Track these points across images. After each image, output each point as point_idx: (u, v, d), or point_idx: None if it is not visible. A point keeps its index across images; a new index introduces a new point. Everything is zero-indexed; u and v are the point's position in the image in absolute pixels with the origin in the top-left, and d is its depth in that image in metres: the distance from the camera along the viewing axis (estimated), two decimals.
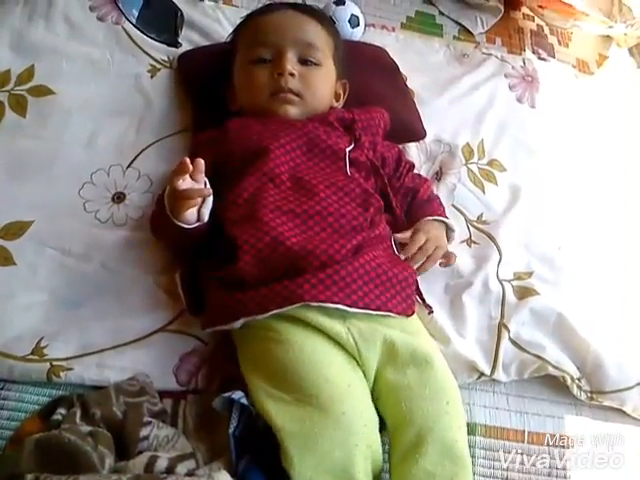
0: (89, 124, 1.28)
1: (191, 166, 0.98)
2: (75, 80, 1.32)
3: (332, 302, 0.95)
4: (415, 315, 1.06)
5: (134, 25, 1.14)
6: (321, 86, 1.23)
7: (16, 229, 1.13)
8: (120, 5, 1.08)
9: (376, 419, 0.94)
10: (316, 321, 0.96)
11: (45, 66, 1.33)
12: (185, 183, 0.99)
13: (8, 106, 1.26)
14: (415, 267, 1.13)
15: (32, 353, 1.02)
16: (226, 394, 0.95)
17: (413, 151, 1.40)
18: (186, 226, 1.01)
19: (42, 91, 1.29)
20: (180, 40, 1.42)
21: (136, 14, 1.14)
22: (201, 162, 1.01)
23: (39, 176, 1.20)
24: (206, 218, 1.03)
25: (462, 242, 1.28)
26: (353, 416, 0.89)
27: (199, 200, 1.01)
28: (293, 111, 1.19)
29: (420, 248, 1.14)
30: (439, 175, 1.38)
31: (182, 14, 1.16)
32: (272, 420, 0.90)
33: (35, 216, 1.15)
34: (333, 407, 0.89)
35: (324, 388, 0.90)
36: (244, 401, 0.94)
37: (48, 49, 1.35)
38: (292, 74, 1.18)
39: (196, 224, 1.02)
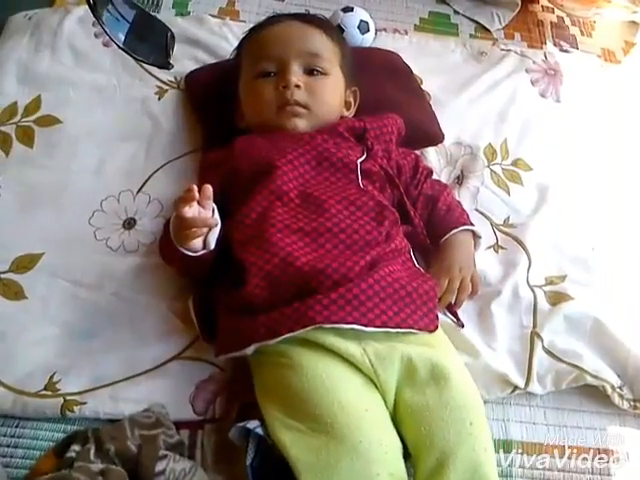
0: (97, 151, 1.26)
1: (197, 194, 0.94)
2: (82, 108, 1.31)
3: (346, 322, 0.90)
4: (439, 329, 1.00)
5: (121, 48, 1.12)
6: (329, 96, 1.19)
7: (26, 262, 1.12)
8: (106, 29, 1.06)
9: (399, 445, 0.89)
10: (329, 343, 0.91)
11: (52, 96, 1.32)
12: (191, 210, 0.95)
13: (16, 138, 1.26)
14: None
15: (45, 388, 1.00)
16: (241, 424, 0.92)
17: (432, 156, 1.34)
18: (191, 254, 0.98)
19: (49, 121, 1.29)
20: (187, 59, 1.39)
21: (122, 38, 1.11)
22: (209, 188, 0.97)
23: (48, 207, 1.18)
24: (212, 246, 0.99)
25: (488, 248, 1.22)
26: (372, 443, 0.84)
27: (205, 230, 0.97)
28: (301, 124, 1.15)
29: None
30: (461, 179, 1.32)
31: (172, 34, 1.13)
32: (287, 451, 0.85)
33: (45, 248, 1.13)
34: (349, 435, 0.84)
35: (339, 415, 0.85)
36: (259, 431, 0.90)
37: (54, 78, 1.35)
38: (298, 86, 1.14)
39: (202, 252, 0.98)
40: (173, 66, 1.19)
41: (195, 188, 0.94)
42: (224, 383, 1.03)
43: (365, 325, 0.91)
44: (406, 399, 0.91)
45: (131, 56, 1.19)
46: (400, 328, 0.93)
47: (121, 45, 1.09)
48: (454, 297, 1.11)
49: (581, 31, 1.74)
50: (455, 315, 1.10)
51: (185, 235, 0.96)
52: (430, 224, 1.18)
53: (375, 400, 0.91)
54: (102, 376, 1.02)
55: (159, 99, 1.35)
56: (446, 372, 0.91)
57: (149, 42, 1.16)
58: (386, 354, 0.92)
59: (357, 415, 0.86)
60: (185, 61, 1.40)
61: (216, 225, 0.99)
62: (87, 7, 1.37)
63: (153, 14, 1.39)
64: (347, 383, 0.90)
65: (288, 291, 0.94)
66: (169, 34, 1.15)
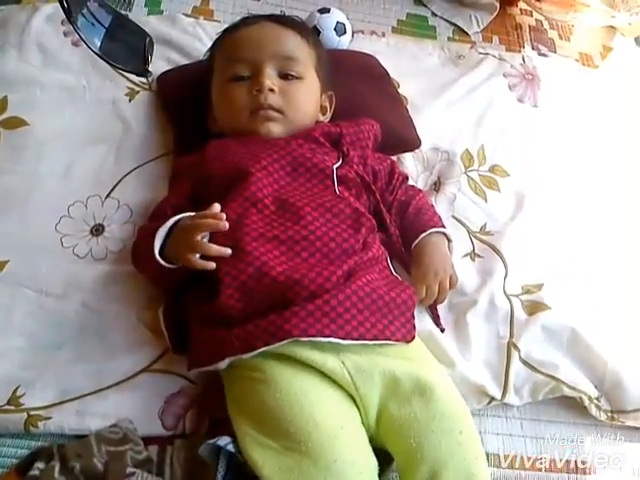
0: (65, 154, 1.22)
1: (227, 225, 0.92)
2: (50, 109, 1.27)
3: (323, 335, 0.88)
4: (417, 339, 0.98)
5: (97, 55, 1.07)
6: (304, 100, 1.16)
7: None
8: (81, 34, 1.01)
9: (374, 463, 0.86)
10: (306, 357, 0.89)
11: (18, 97, 1.27)
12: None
13: None
14: None
15: (8, 403, 0.96)
16: (211, 440, 0.89)
17: (409, 161, 1.32)
18: (173, 266, 0.96)
19: (15, 123, 1.24)
20: (159, 60, 1.35)
21: (98, 43, 1.06)
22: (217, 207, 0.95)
23: (13, 212, 1.14)
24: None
25: (465, 256, 1.20)
26: (346, 463, 0.81)
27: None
28: (276, 129, 1.13)
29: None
30: (437, 185, 1.30)
31: (151, 40, 1.09)
32: (259, 470, 0.83)
33: (10, 255, 1.09)
34: (323, 454, 0.81)
35: (313, 433, 0.83)
36: (230, 448, 0.88)
37: (21, 79, 1.30)
38: (272, 90, 1.11)
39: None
40: (152, 73, 1.14)
41: (224, 216, 0.93)
42: (195, 397, 1.00)
43: (342, 338, 0.89)
44: (392, 412, 0.88)
45: (108, 63, 1.14)
46: (377, 340, 0.91)
47: (97, 51, 1.04)
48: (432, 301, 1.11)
49: (559, 35, 1.74)
50: (437, 318, 1.09)
51: (189, 259, 0.92)
52: (402, 229, 1.16)
53: (352, 417, 0.89)
54: (68, 389, 0.98)
55: (130, 101, 1.31)
56: (430, 384, 0.89)
57: (127, 48, 1.11)
58: (366, 367, 0.90)
59: (332, 433, 0.83)
60: (157, 62, 1.36)
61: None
62: (56, 4, 1.33)
63: (131, 19, 1.35)
64: (323, 399, 0.87)
65: (263, 302, 0.92)
66: (147, 40, 1.11)
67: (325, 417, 0.85)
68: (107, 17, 1.22)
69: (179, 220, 0.98)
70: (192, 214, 0.98)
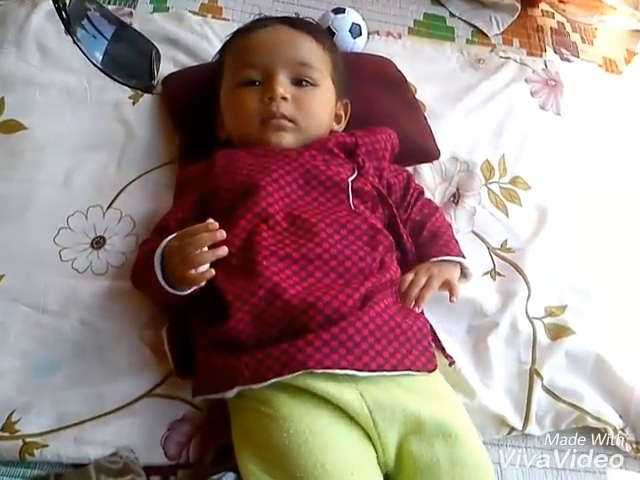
0: (65, 161, 1.16)
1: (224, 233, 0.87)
2: (49, 112, 1.21)
3: (340, 367, 0.82)
4: (437, 372, 0.92)
5: (99, 69, 1.01)
6: (318, 109, 1.10)
7: None
8: (82, 47, 0.95)
9: None
10: (321, 390, 0.83)
11: (16, 98, 1.21)
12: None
13: None
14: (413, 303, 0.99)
15: (2, 429, 0.92)
16: (217, 476, 0.85)
17: (426, 172, 1.26)
18: (180, 293, 0.90)
19: (13, 127, 1.18)
20: (165, 61, 1.29)
21: (100, 57, 0.99)
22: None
23: (10, 223, 1.09)
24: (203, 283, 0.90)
25: (485, 274, 1.15)
26: None
27: None
28: (287, 139, 1.07)
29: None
30: (456, 198, 1.24)
31: (158, 52, 1.02)
32: None
33: (5, 269, 1.04)
34: None
35: (321, 479, 0.77)
36: None
37: (20, 79, 1.24)
38: (284, 98, 1.05)
39: (192, 289, 0.90)
40: (157, 89, 1.07)
41: (217, 225, 0.87)
42: (199, 424, 0.95)
43: (360, 369, 0.83)
44: (413, 452, 0.83)
45: (111, 77, 1.07)
46: (396, 370, 0.85)
47: (99, 65, 0.98)
48: (418, 291, 1.01)
49: (582, 38, 1.68)
50: (443, 350, 1.01)
51: (192, 277, 0.87)
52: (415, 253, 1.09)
53: (366, 459, 0.83)
54: (66, 415, 0.94)
55: (133, 104, 1.25)
56: (455, 431, 0.84)
57: (131, 61, 1.04)
58: (386, 401, 0.84)
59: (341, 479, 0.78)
60: (163, 63, 1.30)
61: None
62: None
63: (136, 28, 1.28)
64: (335, 440, 0.81)
65: (275, 327, 0.86)
66: (154, 52, 1.03)
67: (335, 462, 0.79)
68: (109, 28, 1.14)
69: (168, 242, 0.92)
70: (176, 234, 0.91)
